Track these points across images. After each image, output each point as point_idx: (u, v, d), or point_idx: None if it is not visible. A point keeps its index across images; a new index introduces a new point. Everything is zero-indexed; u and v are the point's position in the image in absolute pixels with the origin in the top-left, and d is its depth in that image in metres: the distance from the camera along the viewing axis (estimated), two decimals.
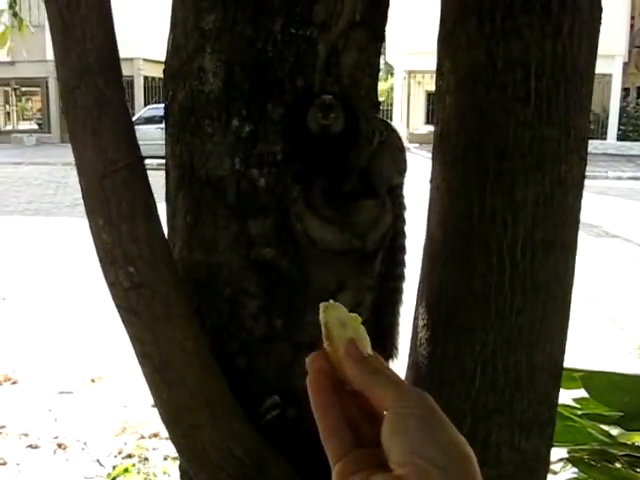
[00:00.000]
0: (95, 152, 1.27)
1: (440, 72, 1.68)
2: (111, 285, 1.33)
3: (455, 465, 0.52)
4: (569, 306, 1.67)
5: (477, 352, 1.59)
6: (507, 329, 1.57)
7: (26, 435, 4.38)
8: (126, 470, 3.97)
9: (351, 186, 1.47)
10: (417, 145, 25.51)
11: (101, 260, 1.32)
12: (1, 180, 17.70)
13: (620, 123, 27.23)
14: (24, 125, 37.68)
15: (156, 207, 1.34)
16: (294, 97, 1.39)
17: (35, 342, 5.86)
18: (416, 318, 1.76)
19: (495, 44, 1.52)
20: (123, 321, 1.35)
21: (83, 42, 1.26)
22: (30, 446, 4.27)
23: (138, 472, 3.94)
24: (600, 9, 1.59)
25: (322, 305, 0.70)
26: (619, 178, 18.61)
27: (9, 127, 36.43)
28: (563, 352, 1.70)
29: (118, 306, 1.34)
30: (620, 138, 27.07)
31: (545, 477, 1.77)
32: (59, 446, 4.29)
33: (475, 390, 1.60)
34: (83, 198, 1.32)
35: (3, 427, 4.47)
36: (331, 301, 0.71)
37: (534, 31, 1.50)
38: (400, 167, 1.57)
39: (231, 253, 1.45)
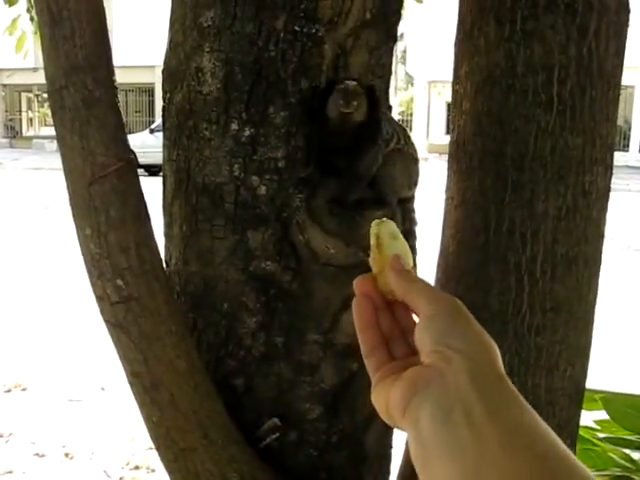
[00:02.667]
0: (83, 156, 1.19)
1: (457, 76, 1.59)
2: (98, 299, 1.24)
3: (477, 352, 0.58)
4: (592, 326, 1.57)
5: None
6: (525, 351, 1.47)
7: (33, 443, 4.31)
8: None
9: (358, 195, 1.37)
10: (437, 155, 25.39)
11: (89, 272, 1.24)
12: (21, 185, 17.81)
13: None
14: (46, 131, 37.97)
15: (148, 215, 1.26)
16: (298, 99, 1.30)
17: (46, 348, 5.81)
18: None
19: (515, 46, 1.43)
20: (111, 338, 1.26)
21: (72, 38, 1.18)
22: (37, 454, 4.21)
23: None
24: (628, 10, 1.49)
25: (375, 221, 0.77)
26: None
27: (31, 133, 36.78)
28: (585, 375, 1.59)
29: (106, 322, 1.25)
30: None
31: None
32: (66, 455, 4.22)
33: None
34: (70, 205, 1.23)
35: (11, 434, 4.41)
36: (385, 218, 0.78)
37: (558, 32, 1.41)
38: (412, 179, 1.47)
39: (229, 266, 1.36)
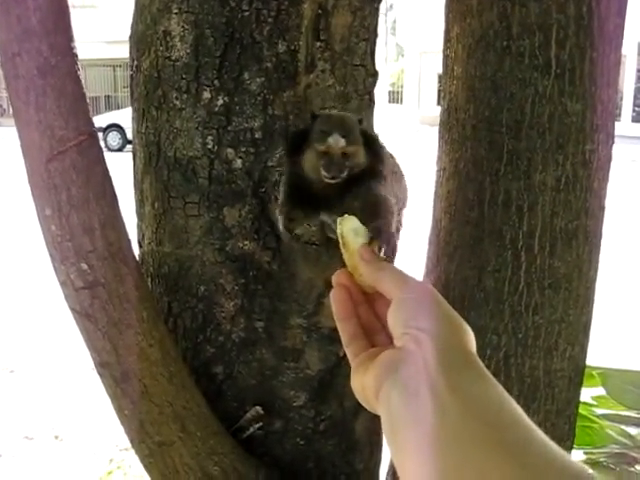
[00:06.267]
0: (40, 130, 1.08)
1: (447, 39, 1.49)
2: (62, 284, 1.14)
3: (446, 333, 0.60)
4: (592, 303, 1.49)
5: (488, 357, 1.42)
6: (522, 331, 1.40)
7: (23, 426, 4.26)
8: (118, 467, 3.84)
9: None
10: (428, 127, 25.26)
11: (50, 255, 1.14)
12: (9, 163, 17.61)
13: (635, 104, 26.84)
14: None
15: (114, 193, 1.16)
16: (275, 66, 1.19)
17: (35, 330, 5.73)
18: None
19: (510, 5, 1.33)
20: (77, 326, 1.17)
21: (24, 0, 1.06)
22: (26, 437, 4.15)
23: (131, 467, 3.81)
24: None
25: (338, 219, 0.77)
26: (634, 161, 18.28)
27: None
28: (585, 355, 1.52)
29: (71, 309, 1.16)
30: (635, 120, 26.69)
31: None
32: (56, 437, 4.17)
33: None
34: (29, 184, 1.13)
35: None
36: (346, 215, 0.77)
37: None
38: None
39: (204, 246, 1.27)
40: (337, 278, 0.75)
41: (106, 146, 17.81)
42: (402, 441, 0.56)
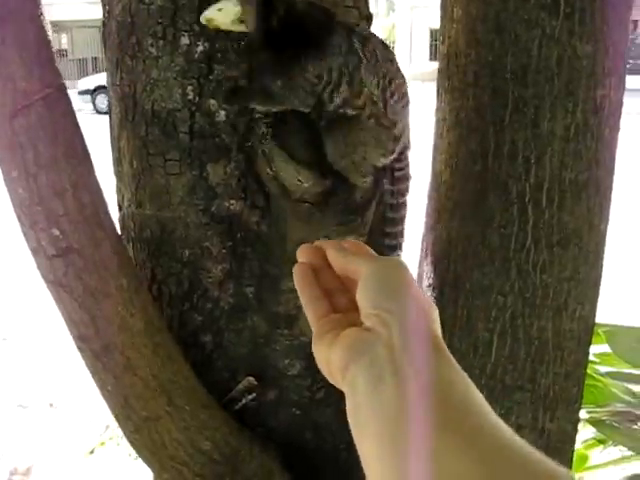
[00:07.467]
0: (1, 83, 0.98)
1: None
2: (33, 252, 1.05)
3: (412, 315, 0.60)
4: (602, 259, 1.41)
5: (493, 318, 1.35)
6: (530, 290, 1.33)
7: (16, 394, 4.23)
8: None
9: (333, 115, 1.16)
10: (420, 82, 25.05)
11: (19, 220, 1.05)
12: None
13: (630, 57, 26.73)
14: None
15: (86, 151, 1.06)
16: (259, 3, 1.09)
17: (28, 298, 5.68)
18: (420, 277, 1.50)
19: None
20: (52, 297, 1.09)
21: None
22: (20, 406, 4.13)
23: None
24: None
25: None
26: (628, 113, 18.16)
27: None
28: (594, 314, 1.45)
29: (44, 279, 1.07)
30: (630, 72, 26.61)
31: (572, 458, 1.53)
32: (50, 405, 4.15)
33: (491, 363, 1.37)
34: None
35: None
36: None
37: None
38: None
39: (187, 207, 1.18)
40: (301, 253, 0.77)
41: (95, 109, 17.57)
42: (364, 425, 0.57)
